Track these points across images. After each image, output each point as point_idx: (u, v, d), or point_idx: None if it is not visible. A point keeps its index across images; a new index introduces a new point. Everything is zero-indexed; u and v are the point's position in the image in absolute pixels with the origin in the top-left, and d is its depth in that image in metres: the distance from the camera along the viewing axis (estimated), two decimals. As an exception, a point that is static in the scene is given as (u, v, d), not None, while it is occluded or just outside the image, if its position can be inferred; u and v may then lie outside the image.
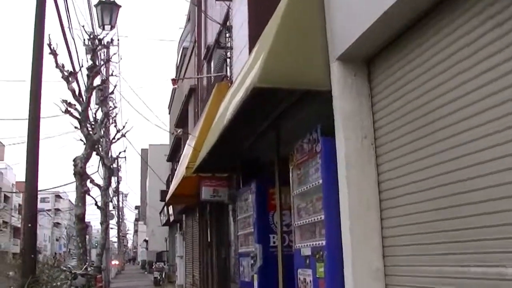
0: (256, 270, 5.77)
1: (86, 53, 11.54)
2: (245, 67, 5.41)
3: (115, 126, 16.79)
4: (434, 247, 3.05)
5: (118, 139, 16.89)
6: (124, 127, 16.39)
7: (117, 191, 41.79)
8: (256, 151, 6.55)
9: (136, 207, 62.54)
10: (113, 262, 33.93)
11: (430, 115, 3.11)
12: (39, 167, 6.86)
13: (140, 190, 55.68)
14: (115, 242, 60.17)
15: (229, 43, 7.98)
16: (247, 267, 6.24)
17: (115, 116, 17.23)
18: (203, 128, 7.68)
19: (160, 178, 22.90)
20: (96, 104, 13.17)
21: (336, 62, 3.76)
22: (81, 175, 10.99)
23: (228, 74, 8.10)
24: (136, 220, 66.78)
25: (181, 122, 13.48)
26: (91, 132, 11.38)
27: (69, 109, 10.97)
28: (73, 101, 10.90)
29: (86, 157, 11.15)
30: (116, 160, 16.70)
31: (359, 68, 3.77)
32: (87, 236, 12.57)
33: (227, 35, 8.24)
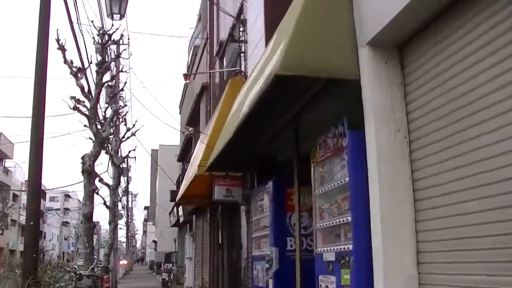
0: (272, 274, 5.43)
1: (96, 52, 11.31)
2: (262, 59, 5.09)
3: (125, 124, 16.57)
4: (476, 254, 2.69)
5: (128, 137, 16.67)
6: (134, 125, 16.19)
7: (126, 191, 41.81)
8: (273, 148, 6.21)
9: (146, 208, 62.66)
10: (121, 262, 33.90)
11: (469, 107, 2.77)
12: (47, 166, 6.68)
13: (149, 191, 55.67)
14: (123, 242, 60.29)
15: (243, 37, 7.67)
16: (261, 271, 5.90)
17: (125, 115, 17.05)
18: (217, 125, 7.37)
19: (170, 178, 22.71)
20: (106, 103, 12.94)
21: (365, 47, 3.42)
22: (89, 173, 10.74)
23: (242, 69, 7.78)
24: (145, 220, 66.86)
25: (192, 120, 13.18)
26: (100, 130, 11.14)
27: (77, 105, 10.73)
28: (82, 98, 10.69)
29: (94, 155, 10.89)
30: (125, 159, 16.42)
31: (391, 55, 3.42)
32: (95, 236, 12.30)
33: (241, 29, 7.92)
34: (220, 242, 9.94)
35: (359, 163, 3.45)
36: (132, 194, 51.55)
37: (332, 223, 3.82)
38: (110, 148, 16.30)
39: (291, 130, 5.16)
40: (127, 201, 43.76)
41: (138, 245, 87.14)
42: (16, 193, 49.99)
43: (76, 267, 10.02)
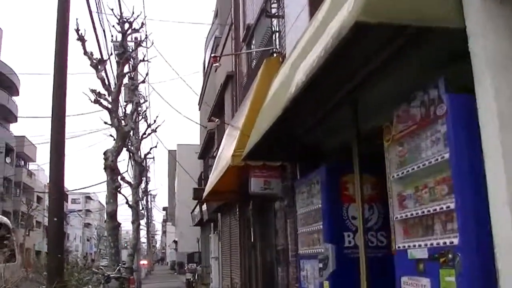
0: (327, 275, 4.69)
1: (115, 50, 10.71)
2: (308, 32, 4.37)
3: (146, 120, 16.03)
4: None
5: (149, 134, 16.12)
6: (155, 121, 15.65)
7: (145, 191, 41.62)
8: (318, 134, 5.48)
9: (164, 209, 62.71)
10: (141, 262, 33.62)
11: None
12: (67, 167, 6.26)
13: (167, 192, 55.79)
14: (143, 242, 60.34)
15: (278, 12, 6.94)
16: (312, 271, 5.17)
17: (145, 111, 16.53)
18: (251, 111, 6.67)
19: (192, 177, 22.14)
20: (125, 101, 12.26)
21: (470, -15, 2.66)
22: (112, 170, 10.16)
23: (278, 49, 7.05)
24: (164, 221, 66.91)
25: (215, 113, 12.51)
26: (122, 123, 10.57)
27: (98, 99, 10.17)
28: (103, 92, 10.14)
29: (117, 150, 10.33)
30: (145, 158, 15.85)
31: (505, -6, 2.65)
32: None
33: (273, 5, 7.20)
34: (252, 241, 9.24)
35: (464, 134, 2.69)
36: (151, 195, 51.72)
37: (422, 212, 3.07)
38: (130, 145, 15.80)
39: (347, 108, 4.41)
40: (147, 201, 43.74)
41: (158, 245, 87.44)
42: (40, 195, 50.50)
43: (102, 268, 9.44)
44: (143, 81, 11.27)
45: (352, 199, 4.87)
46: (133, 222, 15.55)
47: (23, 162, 46.19)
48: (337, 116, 4.67)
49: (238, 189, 9.95)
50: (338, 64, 3.40)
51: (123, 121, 11.21)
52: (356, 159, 4.38)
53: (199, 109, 23.61)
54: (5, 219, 10.03)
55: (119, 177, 10.41)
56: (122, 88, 10.87)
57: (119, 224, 10.45)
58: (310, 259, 5.27)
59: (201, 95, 23.21)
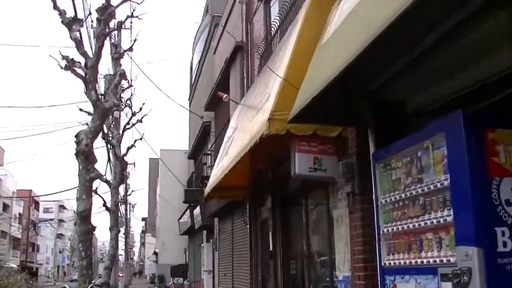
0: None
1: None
2: None
3: (130, 107, 13.73)
4: None
5: (134, 124, 13.81)
6: (140, 109, 13.36)
7: (125, 199, 38.90)
8: (410, 86, 3.48)
9: (143, 219, 60.28)
10: (120, 274, 30.78)
11: None
12: (36, 169, 3.99)
13: (148, 201, 53.75)
14: (121, 254, 57.14)
15: None
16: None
17: (130, 98, 14.25)
18: (297, 56, 4.54)
19: (179, 180, 19.92)
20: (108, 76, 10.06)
21: None
22: (86, 156, 7.85)
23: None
24: (143, 232, 64.19)
25: (216, 97, 10.21)
26: (101, 98, 8.31)
27: (70, 65, 7.91)
28: (78, 58, 7.89)
29: (93, 131, 8.03)
30: (128, 150, 13.51)
31: None
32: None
33: None
34: (271, 249, 7.03)
35: None
36: (130, 203, 48.89)
37: None
38: (111, 137, 13.46)
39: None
40: (126, 210, 40.95)
41: (136, 257, 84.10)
42: (7, 202, 47.42)
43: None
44: (130, 49, 9.03)
45: (506, 171, 2.81)
46: (111, 229, 13.10)
47: (-14, 167, 42.87)
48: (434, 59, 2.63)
49: (252, 183, 7.77)
50: None
51: (103, 97, 8.96)
52: None
53: (190, 98, 21.35)
54: None
55: (95, 166, 8.04)
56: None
57: (94, 227, 8.08)
58: (413, 273, 3.14)
59: (190, 94, 21.03)
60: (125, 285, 36.12)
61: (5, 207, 47.32)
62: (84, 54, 7.96)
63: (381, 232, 3.49)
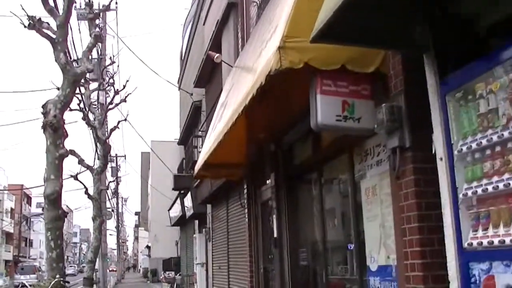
0: None
1: None
2: None
3: (113, 85, 12.41)
4: None
5: (117, 104, 12.50)
6: (124, 87, 12.06)
7: (116, 193, 37.64)
8: None
9: (136, 213, 59.66)
10: (110, 268, 29.65)
11: None
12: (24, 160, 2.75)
13: (140, 196, 53.12)
14: (114, 249, 56.01)
15: None
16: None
17: (113, 76, 12.92)
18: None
19: (170, 169, 18.73)
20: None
21: None
22: (55, 129, 6.59)
23: None
24: (136, 226, 63.31)
25: (210, 60, 8.79)
26: (71, 62, 7.03)
27: (34, 24, 6.65)
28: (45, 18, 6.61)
29: (63, 101, 6.76)
30: (111, 132, 12.24)
31: None
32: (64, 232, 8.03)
33: None
34: (276, 236, 5.83)
35: None
36: (122, 198, 47.68)
37: None
38: (93, 117, 12.15)
39: None
40: (117, 204, 39.70)
41: (130, 251, 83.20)
42: (-2, 197, 46.35)
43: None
44: (107, 8, 7.72)
45: None
46: (94, 218, 11.84)
47: (-24, 160, 41.50)
48: None
49: (250, 159, 6.55)
50: None
51: (75, 63, 7.67)
52: None
53: (179, 89, 20.04)
54: None
55: (64, 142, 6.77)
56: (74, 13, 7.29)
57: (65, 213, 6.81)
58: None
59: (179, 79, 19.72)
60: (118, 280, 35.05)
61: (-4, 201, 46.31)
62: (51, 11, 6.68)
63: (459, 197, 2.29)
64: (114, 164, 31.44)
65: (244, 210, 7.23)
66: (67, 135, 7.16)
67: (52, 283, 5.01)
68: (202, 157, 6.71)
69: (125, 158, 40.82)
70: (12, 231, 50.24)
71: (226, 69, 8.30)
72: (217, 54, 6.52)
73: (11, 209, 51.05)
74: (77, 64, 7.55)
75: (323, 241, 4.84)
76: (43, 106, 6.76)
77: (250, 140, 6.21)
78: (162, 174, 24.67)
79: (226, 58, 8.34)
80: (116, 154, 31.86)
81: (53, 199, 6.48)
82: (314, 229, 5.21)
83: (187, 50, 16.80)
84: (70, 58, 7.49)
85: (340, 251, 4.58)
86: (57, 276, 5.80)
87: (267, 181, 6.22)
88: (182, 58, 19.13)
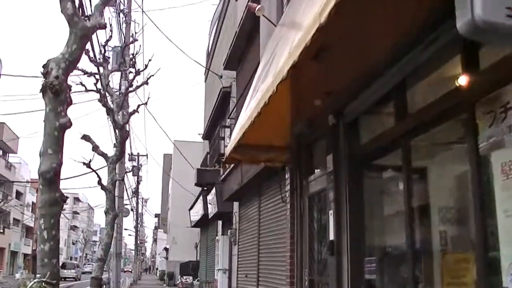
0: None
1: None
2: None
3: (134, 65, 11.18)
4: None
5: (138, 87, 11.26)
6: (146, 66, 10.78)
7: (136, 192, 36.85)
8: None
9: (156, 215, 59.64)
10: (126, 268, 28.79)
11: None
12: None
13: (161, 198, 53.28)
14: (132, 250, 55.50)
15: None
16: None
17: (134, 56, 11.69)
18: None
19: (192, 166, 17.53)
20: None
21: None
22: (56, 93, 5.25)
23: None
24: (156, 228, 62.94)
25: (249, 4, 7.28)
26: (80, 16, 5.77)
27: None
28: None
29: (68, 59, 5.43)
30: (130, 116, 10.98)
31: None
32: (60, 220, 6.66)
33: None
34: (333, 238, 4.35)
35: None
36: (142, 198, 47.03)
37: None
38: (112, 100, 10.96)
39: None
40: (137, 203, 38.90)
41: (148, 253, 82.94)
42: (20, 190, 46.60)
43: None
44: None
45: None
46: (106, 212, 10.58)
47: (1, 152, 41.69)
48: None
49: (297, 139, 5.11)
50: None
51: (85, 17, 6.43)
52: None
53: (205, 81, 18.84)
54: None
55: (67, 110, 5.46)
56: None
57: (64, 197, 5.42)
58: None
59: (205, 72, 18.53)
60: (133, 281, 33.98)
61: (19, 194, 46.75)
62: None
63: None
64: (135, 163, 30.83)
65: (286, 205, 5.76)
66: (71, 102, 5.81)
67: (29, 285, 3.64)
68: (234, 137, 5.30)
69: (146, 158, 39.92)
70: (32, 225, 50.36)
71: (265, 37, 6.93)
72: (259, 6, 5.13)
73: (33, 203, 51.19)
74: (88, 19, 6.35)
75: (410, 247, 3.34)
76: (44, 66, 5.48)
77: (298, 112, 4.78)
78: (184, 174, 23.87)
79: (265, 31, 6.96)
80: (138, 153, 31.19)
81: (49, 178, 5.08)
82: (392, 231, 3.72)
83: (215, 39, 15.59)
84: (80, 10, 6.26)
85: (435, 262, 3.07)
86: (39, 275, 4.41)
87: (321, 167, 4.75)
88: (209, 52, 17.93)
